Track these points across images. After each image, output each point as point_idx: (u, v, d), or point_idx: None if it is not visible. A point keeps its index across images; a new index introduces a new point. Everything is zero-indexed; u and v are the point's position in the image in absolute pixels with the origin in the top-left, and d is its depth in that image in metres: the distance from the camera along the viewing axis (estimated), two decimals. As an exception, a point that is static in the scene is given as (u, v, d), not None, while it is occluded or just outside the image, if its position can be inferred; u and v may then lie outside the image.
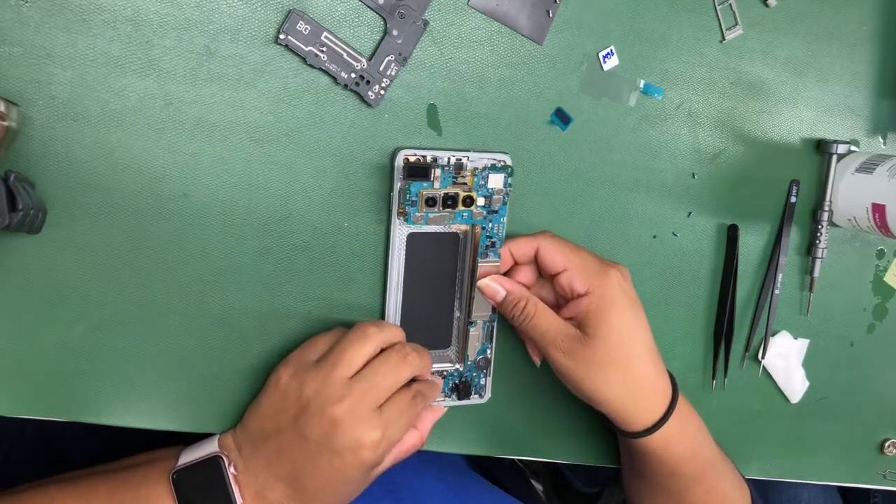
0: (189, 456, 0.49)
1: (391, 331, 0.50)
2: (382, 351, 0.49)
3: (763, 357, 0.62)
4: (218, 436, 0.51)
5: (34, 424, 0.54)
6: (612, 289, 0.50)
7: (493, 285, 0.53)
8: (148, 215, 0.49)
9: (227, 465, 0.48)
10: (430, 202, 0.51)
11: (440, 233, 0.53)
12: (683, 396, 0.54)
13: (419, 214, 0.51)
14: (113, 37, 0.47)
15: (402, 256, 0.53)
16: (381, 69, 0.51)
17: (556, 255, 0.51)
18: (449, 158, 0.51)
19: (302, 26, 0.49)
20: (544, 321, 0.51)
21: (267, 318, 0.52)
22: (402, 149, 0.51)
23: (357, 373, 0.48)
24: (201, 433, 0.53)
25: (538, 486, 1.10)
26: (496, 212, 0.53)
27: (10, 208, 0.41)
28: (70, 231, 0.48)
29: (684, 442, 0.53)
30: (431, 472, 0.61)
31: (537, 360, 0.57)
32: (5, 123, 0.43)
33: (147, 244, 0.50)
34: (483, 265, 0.53)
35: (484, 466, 0.83)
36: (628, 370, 0.51)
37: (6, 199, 0.41)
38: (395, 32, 0.50)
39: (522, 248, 0.53)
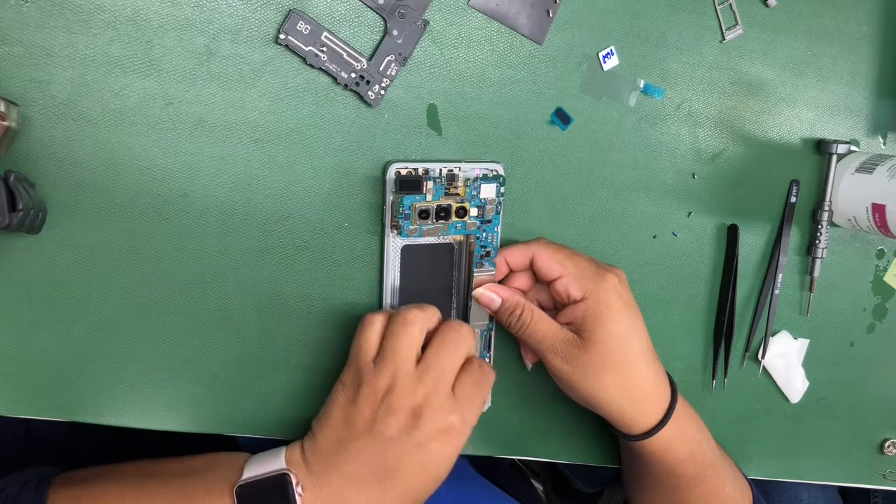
0: (254, 470, 0.47)
1: (429, 309, 0.49)
2: (429, 334, 0.49)
3: (763, 357, 0.62)
4: (285, 449, 0.49)
5: (38, 423, 0.54)
6: (608, 294, 0.50)
7: (488, 294, 0.53)
8: (148, 215, 0.49)
9: (294, 483, 0.46)
10: (423, 214, 0.50)
11: (435, 244, 0.53)
12: (682, 398, 0.54)
13: (413, 227, 0.51)
14: (113, 37, 0.47)
15: (398, 268, 0.53)
16: (381, 69, 0.51)
17: (551, 263, 0.51)
18: (441, 170, 0.51)
19: (302, 26, 0.49)
20: (541, 327, 0.51)
21: (267, 317, 0.52)
22: (393, 162, 0.51)
23: (420, 361, 0.47)
24: (201, 433, 0.53)
25: (538, 486, 1.10)
26: (490, 221, 0.53)
27: (10, 208, 0.41)
28: (70, 231, 0.48)
29: (684, 443, 0.53)
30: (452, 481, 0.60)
31: (529, 364, 0.57)
32: (5, 123, 0.43)
33: (147, 244, 0.50)
34: (478, 275, 0.53)
35: (484, 467, 0.83)
36: (626, 374, 0.51)
37: (6, 199, 0.41)
38: (395, 32, 0.50)
39: (517, 257, 0.53)
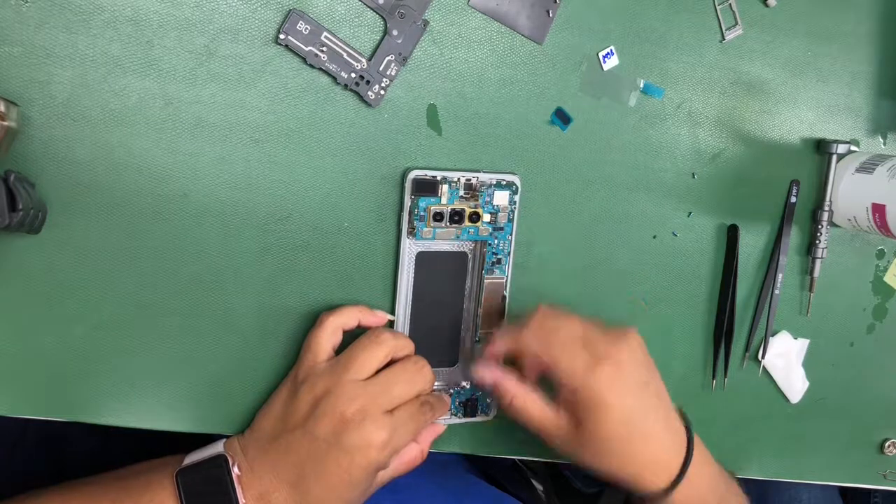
0: (194, 457, 0.49)
1: (403, 340, 0.51)
2: (393, 360, 0.50)
3: (763, 357, 0.62)
4: (224, 439, 0.51)
5: (36, 424, 0.54)
6: (600, 390, 0.47)
7: (482, 373, 0.52)
8: (148, 215, 0.49)
9: (231, 464, 0.48)
10: (438, 217, 0.51)
11: (449, 252, 0.54)
12: (699, 440, 0.52)
13: (427, 229, 0.51)
14: (113, 37, 0.47)
15: (412, 274, 0.53)
16: (381, 69, 0.51)
17: (538, 358, 0.49)
18: (459, 178, 0.52)
19: (302, 26, 0.49)
20: (533, 415, 0.50)
21: (267, 317, 0.52)
22: (412, 169, 0.51)
23: (370, 377, 0.48)
24: (201, 433, 0.53)
25: (538, 486, 1.10)
26: (502, 228, 0.53)
27: (10, 208, 0.41)
28: (70, 231, 0.48)
29: (703, 491, 0.51)
30: (430, 474, 0.61)
31: (494, 410, 0.56)
32: (5, 123, 0.43)
33: (147, 244, 0.50)
34: (489, 281, 0.54)
35: (483, 467, 0.83)
36: (630, 450, 0.49)
37: (6, 199, 0.41)
38: (395, 32, 0.50)
39: (501, 349, 0.52)
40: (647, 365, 0.50)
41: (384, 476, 0.51)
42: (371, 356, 0.48)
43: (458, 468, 0.72)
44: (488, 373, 0.52)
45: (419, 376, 0.50)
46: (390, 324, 0.54)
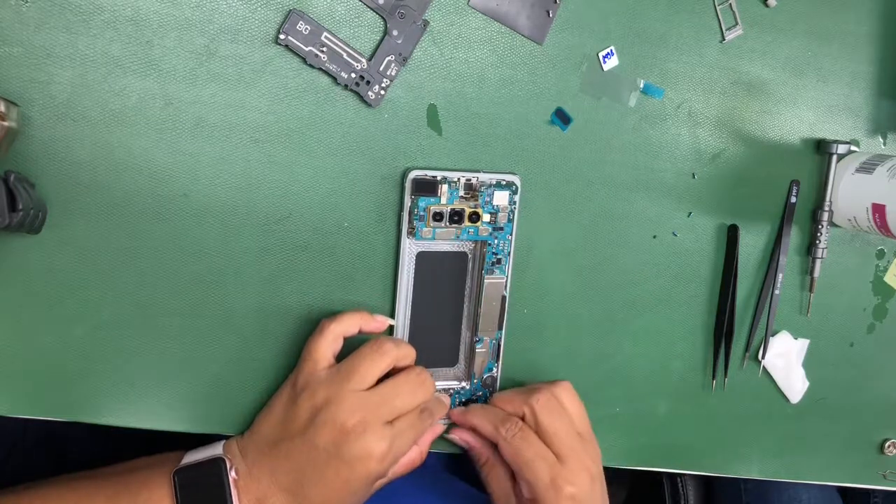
0: (192, 457, 0.49)
1: (406, 349, 0.51)
2: (395, 369, 0.50)
3: (763, 357, 0.62)
4: (224, 440, 0.51)
5: (35, 424, 0.54)
6: None
7: (457, 437, 0.55)
8: (148, 215, 0.49)
9: (228, 468, 0.48)
10: (437, 217, 0.51)
11: (449, 252, 0.54)
12: None
13: (426, 229, 0.51)
14: (113, 37, 0.47)
15: (412, 274, 0.53)
16: (381, 69, 0.51)
17: (510, 462, 0.52)
18: (459, 178, 0.52)
19: (302, 26, 0.49)
20: (495, 485, 0.53)
21: (267, 317, 0.52)
22: (412, 169, 0.51)
23: (372, 386, 0.48)
24: (201, 433, 0.53)
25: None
26: (501, 228, 0.53)
27: (10, 208, 0.41)
28: (70, 231, 0.48)
29: None
30: (423, 477, 0.61)
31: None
32: (5, 123, 0.43)
33: (147, 244, 0.50)
34: (489, 281, 0.54)
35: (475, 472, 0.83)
36: None
37: (6, 199, 0.41)
38: (395, 32, 0.50)
39: (479, 427, 0.54)
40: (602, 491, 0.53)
41: (382, 480, 0.51)
42: (373, 366, 0.48)
43: (453, 481, 0.71)
44: (469, 438, 0.55)
45: (421, 388, 0.50)
46: (391, 328, 0.54)
